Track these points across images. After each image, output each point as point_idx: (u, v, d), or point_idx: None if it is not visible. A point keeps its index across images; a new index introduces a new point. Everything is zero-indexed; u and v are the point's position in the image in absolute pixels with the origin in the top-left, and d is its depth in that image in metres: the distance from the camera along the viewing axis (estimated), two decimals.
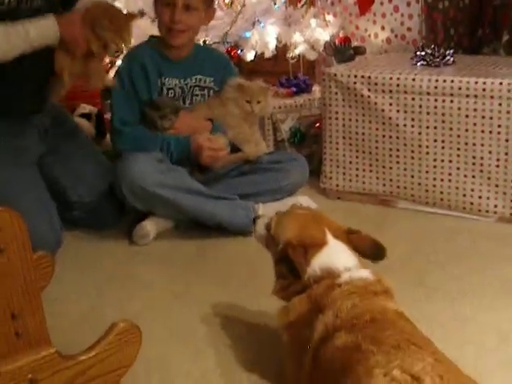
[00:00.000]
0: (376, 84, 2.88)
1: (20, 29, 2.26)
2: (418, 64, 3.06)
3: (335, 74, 2.96)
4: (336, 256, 1.61)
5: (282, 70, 3.95)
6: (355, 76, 2.92)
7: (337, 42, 3.73)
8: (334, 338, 1.43)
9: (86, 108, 3.72)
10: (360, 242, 1.67)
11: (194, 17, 2.74)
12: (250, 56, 3.53)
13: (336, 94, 2.96)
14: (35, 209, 2.40)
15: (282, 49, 3.71)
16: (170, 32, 2.76)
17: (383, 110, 2.89)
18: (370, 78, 2.89)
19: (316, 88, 3.67)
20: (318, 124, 3.36)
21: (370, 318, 1.45)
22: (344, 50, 3.67)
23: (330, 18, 3.93)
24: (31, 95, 2.54)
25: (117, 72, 2.87)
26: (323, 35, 3.76)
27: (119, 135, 2.76)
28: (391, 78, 2.85)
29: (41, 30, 2.30)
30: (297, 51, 3.72)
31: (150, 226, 2.67)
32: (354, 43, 3.86)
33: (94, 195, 2.73)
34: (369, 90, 2.89)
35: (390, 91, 2.86)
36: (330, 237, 1.63)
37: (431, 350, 1.35)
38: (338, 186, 3.09)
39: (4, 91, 2.44)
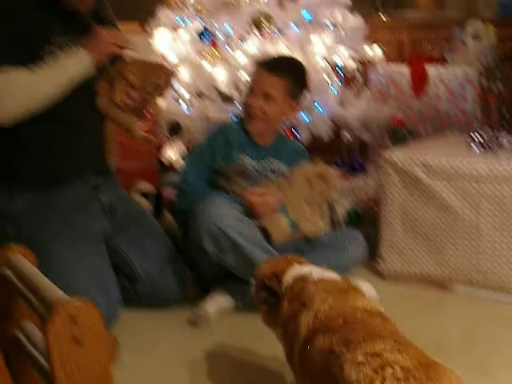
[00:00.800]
0: (433, 169, 2.91)
1: (55, 66, 2.40)
2: (474, 148, 3.08)
3: (392, 158, 3.00)
4: (303, 268, 1.93)
5: (335, 149, 4.02)
6: (412, 160, 2.95)
7: (392, 124, 3.77)
8: (313, 339, 1.62)
9: (144, 185, 3.80)
10: None
11: (272, 106, 2.82)
12: (306, 136, 3.59)
13: (393, 177, 3.00)
14: (92, 281, 2.45)
15: (337, 129, 3.77)
16: (247, 116, 2.86)
17: (440, 195, 2.90)
18: (427, 162, 2.92)
19: (371, 169, 3.71)
20: (374, 206, 3.39)
21: (342, 321, 1.61)
22: (399, 132, 3.72)
23: (384, 99, 4.01)
24: (90, 157, 2.66)
25: (203, 139, 2.98)
26: (377, 117, 3.82)
27: (182, 194, 2.83)
28: (448, 163, 2.88)
29: (74, 59, 2.44)
30: (351, 132, 3.78)
31: (209, 307, 2.69)
32: (408, 124, 3.91)
33: (158, 271, 2.76)
34: (426, 174, 2.92)
35: (447, 176, 2.88)
36: (296, 264, 1.96)
37: (394, 338, 1.51)
38: (394, 268, 3.09)
39: (64, 157, 2.56)
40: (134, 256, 2.75)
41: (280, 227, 2.79)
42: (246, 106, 2.85)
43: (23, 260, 1.80)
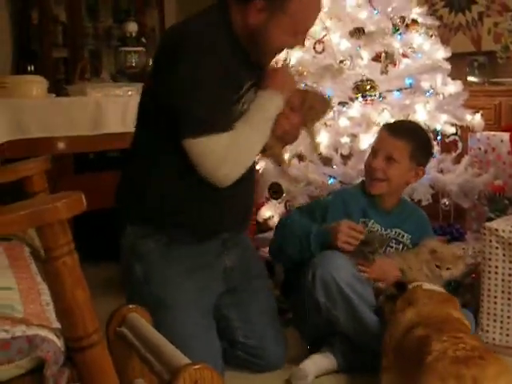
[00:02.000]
0: None
1: (256, 113, 2.46)
2: None
3: (496, 229, 2.98)
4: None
5: (432, 214, 3.99)
6: None
7: (491, 191, 3.74)
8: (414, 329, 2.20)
9: None
10: None
11: (395, 169, 2.84)
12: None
13: (496, 248, 2.97)
14: (204, 351, 2.42)
15: (435, 194, 3.76)
16: (368, 178, 2.90)
17: None
18: None
19: (469, 236, 3.68)
20: (473, 274, 3.35)
21: (439, 320, 2.22)
22: (498, 199, 3.69)
23: (483, 165, 3.99)
24: (238, 218, 2.70)
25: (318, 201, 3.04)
26: (476, 183, 3.80)
27: (280, 227, 2.91)
28: None
29: (269, 102, 2.48)
30: (450, 198, 3.77)
31: (309, 368, 2.67)
32: (508, 192, 3.86)
33: (259, 339, 2.74)
34: None
35: None
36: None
37: (475, 337, 2.30)
38: (494, 339, 3.04)
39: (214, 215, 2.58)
40: (237, 321, 2.75)
41: None
42: (369, 168, 2.88)
43: (141, 320, 1.87)
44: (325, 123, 3.50)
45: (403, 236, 2.95)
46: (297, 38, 2.47)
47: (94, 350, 1.33)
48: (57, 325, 1.40)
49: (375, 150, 2.89)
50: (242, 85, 2.49)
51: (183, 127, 2.36)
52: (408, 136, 2.86)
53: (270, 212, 3.86)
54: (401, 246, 2.95)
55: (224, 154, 2.36)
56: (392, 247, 2.94)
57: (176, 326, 2.40)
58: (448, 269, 2.86)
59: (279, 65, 2.60)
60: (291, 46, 2.60)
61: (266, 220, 3.88)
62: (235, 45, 2.45)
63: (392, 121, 3.32)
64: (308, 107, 2.61)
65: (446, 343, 1.97)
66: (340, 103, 3.60)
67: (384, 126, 3.04)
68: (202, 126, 2.34)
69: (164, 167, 2.51)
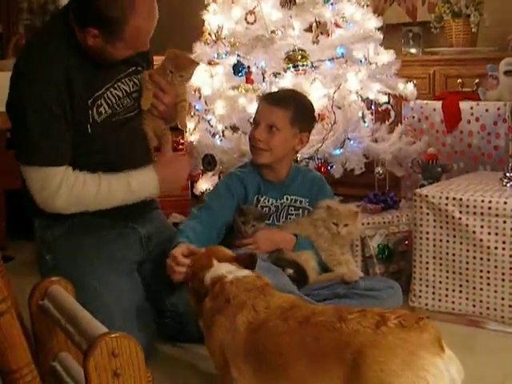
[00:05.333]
0: (467, 206, 2.91)
1: (123, 181, 2.51)
2: (508, 185, 3.09)
3: (426, 195, 3.01)
4: (220, 269, 2.17)
5: (366, 183, 4.03)
6: (447, 198, 2.96)
7: (424, 160, 3.78)
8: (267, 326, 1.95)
9: (177, 217, 3.85)
10: (242, 260, 2.22)
11: (277, 137, 2.82)
12: (338, 172, 3.61)
13: (427, 214, 3.01)
14: (128, 315, 2.49)
15: (369, 163, 3.79)
16: (252, 149, 2.89)
17: (474, 232, 2.91)
18: (461, 200, 2.93)
19: (403, 204, 3.71)
20: (406, 241, 3.39)
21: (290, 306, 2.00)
22: (431, 167, 3.72)
23: (416, 134, 4.03)
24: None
25: (216, 185, 3.00)
26: (410, 152, 3.83)
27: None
28: (483, 201, 2.88)
29: (142, 181, 2.55)
30: (384, 167, 3.79)
31: None
32: (441, 160, 3.91)
33: (184, 305, 2.68)
34: (460, 211, 2.93)
35: (482, 214, 2.89)
36: (215, 261, 2.19)
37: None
38: (427, 305, 3.09)
39: None
40: (162, 289, 2.75)
41: (310, 266, 2.80)
42: (252, 139, 2.87)
43: (63, 292, 1.83)
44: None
45: (301, 201, 2.94)
46: (139, 47, 2.49)
47: (2, 319, 1.31)
48: None
49: (256, 120, 2.88)
50: (101, 85, 2.53)
51: (18, 151, 2.48)
52: (286, 104, 2.85)
53: (206, 185, 3.85)
54: (301, 212, 2.94)
55: (67, 189, 2.45)
56: (292, 214, 2.94)
57: (93, 298, 2.39)
58: (346, 225, 2.84)
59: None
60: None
61: (202, 193, 3.86)
62: (83, 55, 2.48)
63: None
64: (178, 75, 2.66)
65: (356, 321, 1.80)
66: (272, 74, 3.59)
67: (262, 96, 3.07)
68: (36, 155, 2.42)
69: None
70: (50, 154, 2.42)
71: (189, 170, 2.79)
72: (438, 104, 4.12)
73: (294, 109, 2.84)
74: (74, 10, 2.42)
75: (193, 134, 3.78)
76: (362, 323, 1.78)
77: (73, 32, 2.44)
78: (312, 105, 3.01)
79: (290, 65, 3.55)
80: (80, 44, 2.45)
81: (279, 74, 3.58)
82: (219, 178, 3.70)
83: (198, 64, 2.79)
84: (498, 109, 3.84)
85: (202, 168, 3.72)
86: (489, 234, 2.88)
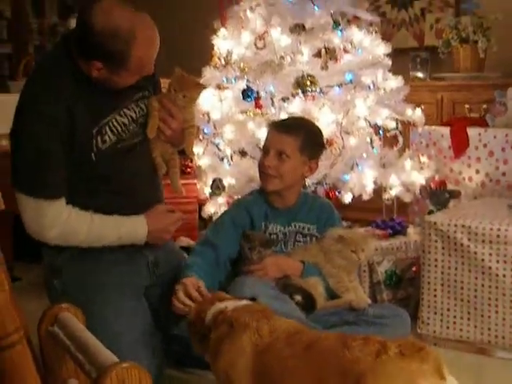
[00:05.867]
0: (476, 234, 2.92)
1: (112, 223, 2.53)
2: None
3: (435, 223, 3.01)
4: (220, 305, 2.20)
5: (374, 207, 4.03)
6: (455, 225, 2.97)
7: (432, 186, 3.78)
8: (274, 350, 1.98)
9: (184, 241, 3.85)
10: None
11: (286, 164, 2.81)
12: (347, 198, 3.62)
13: (436, 241, 3.01)
14: (137, 346, 2.45)
15: (378, 189, 3.79)
16: (262, 176, 2.89)
17: (483, 260, 2.91)
18: (470, 227, 2.94)
19: (411, 230, 3.71)
20: (414, 267, 3.39)
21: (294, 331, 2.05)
22: (439, 193, 3.73)
23: (424, 160, 4.02)
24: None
25: (221, 216, 2.99)
26: (418, 178, 3.83)
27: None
28: (491, 229, 2.89)
29: (132, 229, 2.57)
30: (392, 193, 3.79)
31: None
32: (449, 186, 3.91)
33: None
34: (469, 239, 2.94)
35: (490, 241, 2.89)
36: (217, 302, 2.23)
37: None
38: (435, 332, 3.08)
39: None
40: (170, 315, 2.67)
41: (317, 292, 2.79)
42: (262, 166, 2.87)
43: (73, 319, 1.84)
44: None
45: (309, 228, 2.93)
46: (144, 72, 2.50)
47: (14, 350, 1.31)
48: None
49: (266, 148, 2.88)
50: (106, 113, 2.52)
51: (14, 178, 2.47)
52: (295, 131, 2.85)
53: (214, 208, 3.86)
54: (308, 239, 2.92)
55: (59, 225, 2.46)
56: (300, 241, 2.92)
57: (103, 325, 2.37)
58: (363, 250, 2.83)
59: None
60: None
61: (210, 216, 3.87)
62: (87, 82, 2.48)
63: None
64: (181, 95, 2.65)
65: (359, 349, 1.80)
66: (281, 99, 3.61)
67: (272, 123, 3.05)
68: (32, 186, 2.44)
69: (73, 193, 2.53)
70: (45, 188, 2.43)
71: (178, 226, 2.77)
72: (446, 130, 4.12)
73: (303, 136, 2.85)
74: (75, 43, 2.43)
75: (201, 157, 3.79)
76: (364, 351, 1.78)
77: (77, 61, 2.46)
78: (321, 132, 3.01)
79: (299, 90, 3.57)
80: (84, 73, 2.46)
81: (288, 99, 3.60)
82: (227, 204, 3.70)
83: (202, 86, 2.79)
84: (506, 135, 3.84)
85: (210, 192, 3.73)
86: (497, 261, 2.89)
